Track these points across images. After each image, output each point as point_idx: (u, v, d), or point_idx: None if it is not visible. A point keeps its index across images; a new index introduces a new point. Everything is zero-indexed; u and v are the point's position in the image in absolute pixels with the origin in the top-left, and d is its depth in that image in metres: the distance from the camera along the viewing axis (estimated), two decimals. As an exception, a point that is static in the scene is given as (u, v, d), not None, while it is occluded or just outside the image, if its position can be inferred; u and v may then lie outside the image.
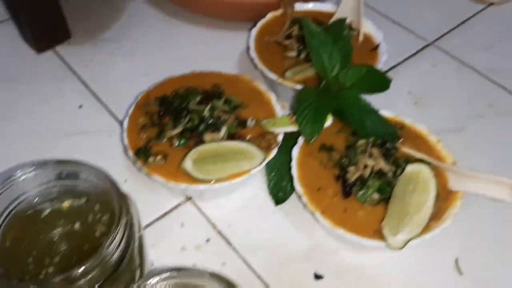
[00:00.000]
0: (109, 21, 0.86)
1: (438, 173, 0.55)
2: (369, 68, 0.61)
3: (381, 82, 0.61)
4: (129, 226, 0.40)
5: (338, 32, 0.63)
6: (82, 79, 0.76)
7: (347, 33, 0.64)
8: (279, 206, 0.60)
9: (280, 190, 0.60)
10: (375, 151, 0.55)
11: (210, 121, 0.58)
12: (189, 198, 0.61)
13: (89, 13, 0.87)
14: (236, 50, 0.80)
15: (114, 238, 0.39)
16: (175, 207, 0.61)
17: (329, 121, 0.57)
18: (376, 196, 0.53)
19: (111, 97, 0.73)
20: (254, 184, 0.62)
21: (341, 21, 0.67)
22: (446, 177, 0.55)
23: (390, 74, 0.77)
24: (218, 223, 0.59)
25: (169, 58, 0.79)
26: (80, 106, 0.73)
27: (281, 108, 0.63)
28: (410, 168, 0.53)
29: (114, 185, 0.40)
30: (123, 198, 0.39)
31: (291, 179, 0.56)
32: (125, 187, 0.61)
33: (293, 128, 0.57)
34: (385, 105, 0.65)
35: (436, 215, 0.52)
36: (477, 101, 0.74)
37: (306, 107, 0.56)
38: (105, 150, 0.66)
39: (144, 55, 0.80)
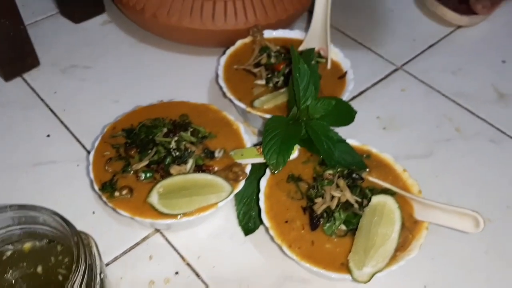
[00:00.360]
0: (79, 47, 0.85)
1: (404, 203, 0.56)
2: (338, 101, 0.61)
3: (347, 115, 0.62)
4: (90, 269, 0.40)
5: (307, 62, 0.64)
6: (50, 107, 0.75)
7: (315, 63, 0.64)
8: (249, 236, 0.60)
9: (249, 221, 0.60)
10: (342, 182, 0.55)
11: (177, 154, 0.57)
12: (157, 230, 0.60)
13: (58, 39, 0.86)
14: (207, 76, 0.79)
15: (74, 283, 0.38)
16: (144, 239, 0.60)
17: (295, 153, 0.57)
18: (343, 227, 0.53)
19: (80, 126, 0.72)
20: (224, 214, 0.62)
21: (310, 51, 0.68)
22: (412, 207, 0.56)
23: (359, 99, 0.79)
24: (187, 255, 0.59)
25: (139, 84, 0.79)
26: (48, 135, 0.71)
27: (251, 134, 0.63)
28: (376, 199, 0.53)
29: (72, 230, 0.39)
30: (82, 242, 0.38)
31: (259, 210, 0.56)
32: (92, 219, 0.62)
33: (260, 160, 0.57)
34: (355, 130, 0.65)
35: (402, 246, 0.52)
36: (445, 125, 0.75)
37: (273, 138, 0.56)
38: (72, 181, 0.65)
39: (114, 82, 0.79)
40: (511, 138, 0.74)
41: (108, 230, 0.60)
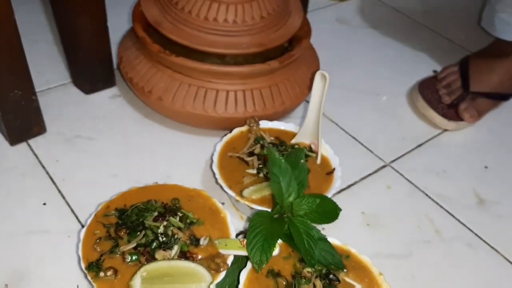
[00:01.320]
0: (86, 117, 0.90)
1: (378, 307, 0.58)
2: (323, 199, 0.64)
3: (332, 212, 0.65)
4: None
5: (296, 159, 0.68)
6: (51, 175, 0.79)
7: (304, 161, 0.68)
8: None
9: (230, 307, 0.62)
10: (318, 282, 0.57)
11: (163, 239, 0.60)
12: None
13: (67, 108, 0.91)
14: (203, 157, 0.83)
15: None
16: (123, 320, 0.61)
17: (276, 250, 0.60)
18: (316, 327, 0.55)
19: (76, 197, 0.75)
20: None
21: (300, 150, 0.72)
22: (384, 312, 0.58)
23: (346, 192, 0.82)
24: None
25: (138, 160, 0.82)
26: (44, 203, 0.74)
27: (240, 220, 0.65)
28: (349, 303, 0.55)
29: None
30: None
31: (238, 302, 0.58)
32: (76, 294, 0.63)
33: (243, 253, 0.60)
34: (340, 224, 0.68)
35: None
36: (425, 226, 0.78)
37: (257, 235, 0.59)
38: (61, 253, 0.67)
39: (115, 155, 0.83)
40: (487, 244, 0.76)
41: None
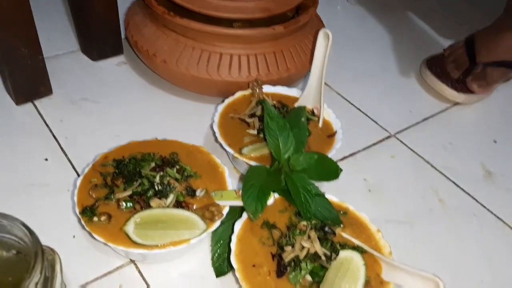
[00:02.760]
0: (93, 82, 0.90)
1: (374, 262, 0.56)
2: (321, 156, 0.63)
3: (331, 171, 0.64)
4: (46, 282, 0.41)
5: (297, 118, 0.67)
6: (54, 133, 0.79)
7: (304, 120, 0.68)
8: (222, 278, 0.61)
9: (223, 263, 0.61)
10: (313, 233, 0.56)
11: (159, 188, 0.60)
12: (132, 261, 0.62)
13: (75, 73, 0.91)
14: (204, 122, 0.83)
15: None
16: (117, 269, 0.61)
17: (271, 199, 0.59)
18: (309, 278, 0.54)
19: (78, 154, 0.76)
20: (202, 252, 0.63)
21: (301, 109, 0.71)
22: (380, 267, 0.56)
23: (349, 160, 0.81)
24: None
25: (142, 123, 0.82)
26: (46, 159, 0.75)
27: (237, 179, 0.65)
28: (343, 254, 0.54)
29: (34, 241, 0.41)
30: (42, 254, 0.40)
31: (230, 251, 0.57)
32: (72, 242, 0.63)
33: (238, 203, 0.59)
34: (340, 187, 0.67)
35: (365, 303, 0.52)
36: (429, 196, 0.77)
37: (252, 186, 0.58)
38: (60, 205, 0.68)
39: (119, 119, 0.83)
40: (493, 214, 0.74)
41: (85, 255, 0.62)
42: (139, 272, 0.61)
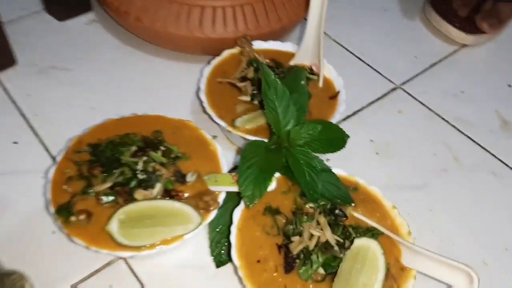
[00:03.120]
0: (61, 46, 0.79)
1: (391, 245, 0.50)
2: (325, 125, 0.56)
3: (338, 140, 0.56)
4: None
5: (296, 81, 0.58)
6: (22, 111, 0.70)
7: (305, 83, 0.59)
8: (221, 269, 0.55)
9: (222, 251, 0.55)
10: (322, 219, 0.50)
11: (143, 176, 0.52)
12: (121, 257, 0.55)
13: (40, 38, 0.80)
14: (190, 86, 0.74)
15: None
16: (104, 266, 0.55)
17: (273, 184, 0.52)
18: (321, 271, 0.48)
19: (51, 133, 0.67)
20: (197, 242, 0.57)
21: (300, 70, 0.62)
22: (399, 250, 0.50)
23: (352, 119, 0.73)
24: (151, 286, 0.54)
25: (119, 91, 0.73)
26: (15, 142, 0.66)
27: (233, 152, 0.58)
28: (359, 242, 0.48)
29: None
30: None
31: (230, 245, 0.50)
32: (51, 240, 0.56)
33: (235, 188, 0.52)
34: (345, 153, 0.60)
35: (385, 293, 0.47)
36: (442, 153, 0.70)
37: (249, 167, 0.51)
38: (35, 196, 0.60)
39: (94, 86, 0.74)
40: (512, 170, 0.68)
41: (68, 253, 0.55)
42: (130, 268, 0.55)
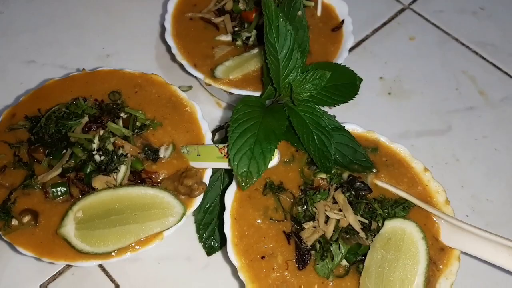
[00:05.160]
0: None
1: (426, 218, 0.40)
2: (334, 69, 0.43)
3: (348, 87, 0.45)
4: None
5: (291, 14, 0.45)
6: None
7: (303, 14, 0.45)
8: (213, 257, 0.44)
9: (212, 235, 0.44)
10: (341, 197, 0.38)
11: (102, 158, 0.39)
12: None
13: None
14: (152, 25, 0.59)
15: None
16: (68, 267, 0.44)
17: (276, 157, 0.39)
18: (343, 262, 0.37)
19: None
20: (180, 226, 0.46)
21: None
22: (437, 226, 0.40)
23: (357, 51, 0.61)
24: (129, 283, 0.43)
25: (63, 39, 0.59)
26: None
27: (216, 107, 0.46)
28: (390, 225, 0.37)
29: None
30: None
31: (225, 238, 0.39)
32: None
33: (224, 165, 0.40)
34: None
35: (427, 285, 0.37)
36: (465, 87, 0.59)
37: (243, 135, 0.39)
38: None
39: (31, 33, 0.60)
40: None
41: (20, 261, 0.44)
42: (102, 267, 0.44)
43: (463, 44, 0.62)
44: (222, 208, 0.40)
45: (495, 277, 0.44)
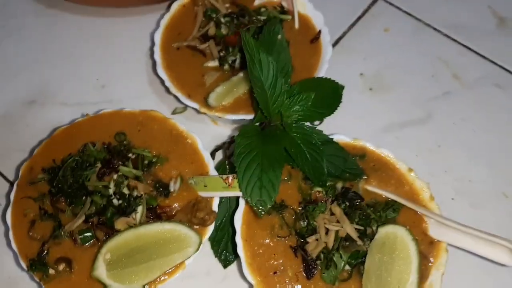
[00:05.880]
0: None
1: (415, 216, 0.45)
2: (316, 86, 0.47)
3: (331, 97, 0.49)
4: None
5: (272, 37, 0.48)
6: None
7: (282, 37, 0.48)
8: (230, 269, 0.49)
9: (226, 248, 0.49)
10: (338, 210, 0.43)
11: (120, 201, 0.43)
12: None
13: None
14: (140, 47, 0.62)
15: None
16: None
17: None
18: (346, 267, 0.43)
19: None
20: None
21: (274, 22, 0.51)
22: (425, 221, 0.45)
23: (336, 50, 0.63)
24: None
25: (57, 71, 0.61)
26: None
27: (213, 126, 0.51)
28: (383, 231, 0.42)
29: None
30: None
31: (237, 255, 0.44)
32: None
33: (230, 193, 0.44)
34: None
35: (421, 277, 0.42)
36: (441, 73, 0.62)
37: (249, 167, 0.43)
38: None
39: (27, 71, 0.61)
40: (518, 77, 0.62)
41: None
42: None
43: (435, 29, 0.65)
44: (233, 231, 0.45)
45: (482, 265, 0.47)
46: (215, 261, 0.49)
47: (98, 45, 0.63)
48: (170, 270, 0.43)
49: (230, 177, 0.44)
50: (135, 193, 0.44)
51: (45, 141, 0.48)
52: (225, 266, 0.49)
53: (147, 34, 0.61)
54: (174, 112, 0.56)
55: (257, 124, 0.47)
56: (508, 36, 0.65)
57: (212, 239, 0.49)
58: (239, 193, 0.44)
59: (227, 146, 0.52)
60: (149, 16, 0.62)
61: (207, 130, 0.55)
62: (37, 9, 0.66)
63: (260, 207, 0.42)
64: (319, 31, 0.55)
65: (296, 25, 0.56)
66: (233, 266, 0.49)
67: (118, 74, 0.60)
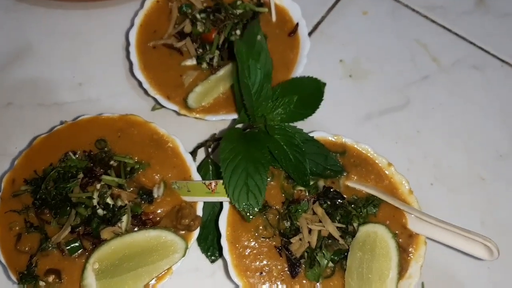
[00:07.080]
0: None
1: (395, 210, 0.46)
2: (298, 85, 0.47)
3: (313, 96, 0.49)
4: None
5: (251, 38, 0.47)
6: None
7: (262, 38, 0.48)
8: (218, 264, 0.50)
9: (212, 245, 0.50)
10: (320, 210, 0.44)
11: (104, 212, 0.44)
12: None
13: None
14: (116, 40, 0.60)
15: None
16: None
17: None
18: (329, 264, 0.44)
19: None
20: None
21: (254, 23, 0.50)
22: (404, 215, 0.46)
23: (315, 36, 0.63)
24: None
25: (32, 70, 0.59)
26: None
27: (194, 122, 0.50)
28: (363, 230, 0.43)
29: None
30: None
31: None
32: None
33: (213, 199, 0.45)
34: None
35: (401, 270, 0.44)
36: (419, 56, 0.62)
37: (235, 172, 0.43)
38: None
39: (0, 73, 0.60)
40: (496, 58, 0.62)
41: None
42: None
43: (413, 10, 0.65)
44: (218, 234, 0.46)
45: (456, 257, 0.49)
46: (203, 256, 0.50)
47: (72, 40, 0.61)
48: (159, 275, 0.44)
49: (213, 183, 0.44)
50: (119, 203, 0.44)
51: (25, 151, 0.48)
52: (212, 262, 0.50)
53: (123, 26, 0.60)
54: (154, 108, 0.56)
55: (240, 126, 0.47)
56: (485, 15, 0.65)
57: (198, 237, 0.50)
58: (222, 199, 0.44)
59: (209, 144, 0.52)
60: (124, 7, 0.60)
61: (188, 127, 0.55)
62: (6, 4, 0.64)
63: (248, 212, 0.43)
64: (297, 24, 0.54)
65: (273, 18, 0.55)
66: (221, 262, 0.50)
67: (94, 70, 0.59)
